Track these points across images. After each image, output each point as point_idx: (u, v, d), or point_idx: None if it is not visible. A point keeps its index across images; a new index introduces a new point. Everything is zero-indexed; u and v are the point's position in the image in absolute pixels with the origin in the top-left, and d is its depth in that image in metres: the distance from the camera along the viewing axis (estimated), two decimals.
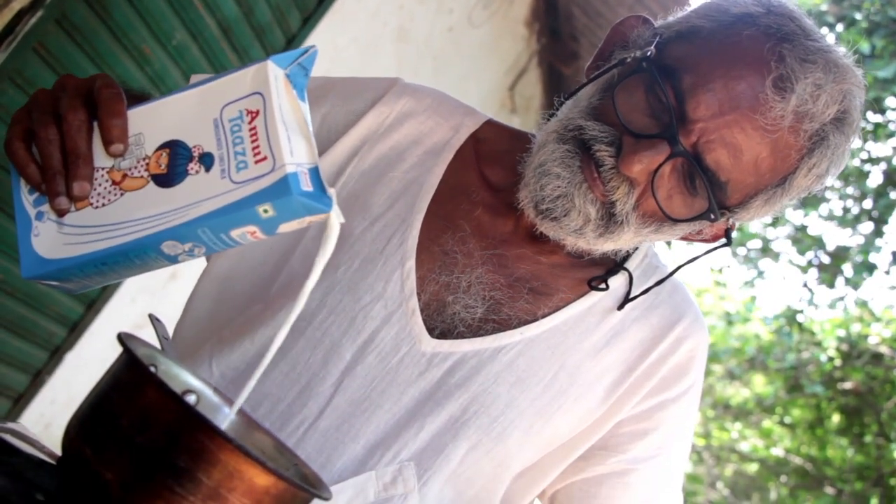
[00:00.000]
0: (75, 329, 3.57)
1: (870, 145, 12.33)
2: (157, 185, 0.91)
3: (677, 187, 1.14)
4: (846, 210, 12.50)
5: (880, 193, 11.94)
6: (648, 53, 1.13)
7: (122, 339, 0.83)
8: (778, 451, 15.30)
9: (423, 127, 1.32)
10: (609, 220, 1.15)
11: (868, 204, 12.19)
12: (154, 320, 1.05)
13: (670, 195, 1.14)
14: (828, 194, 12.78)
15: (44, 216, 0.93)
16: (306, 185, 0.87)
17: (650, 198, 1.13)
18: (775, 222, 13.03)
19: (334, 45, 4.07)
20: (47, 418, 3.53)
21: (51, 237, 0.92)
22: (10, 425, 1.01)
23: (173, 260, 0.93)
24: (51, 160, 0.91)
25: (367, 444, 1.18)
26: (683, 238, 1.26)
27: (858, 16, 11.55)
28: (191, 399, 0.96)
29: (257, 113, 0.88)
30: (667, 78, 1.11)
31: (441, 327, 1.21)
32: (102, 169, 0.93)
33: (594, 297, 1.28)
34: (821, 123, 1.11)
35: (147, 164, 0.92)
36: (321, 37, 3.92)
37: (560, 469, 1.30)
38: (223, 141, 0.89)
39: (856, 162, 12.03)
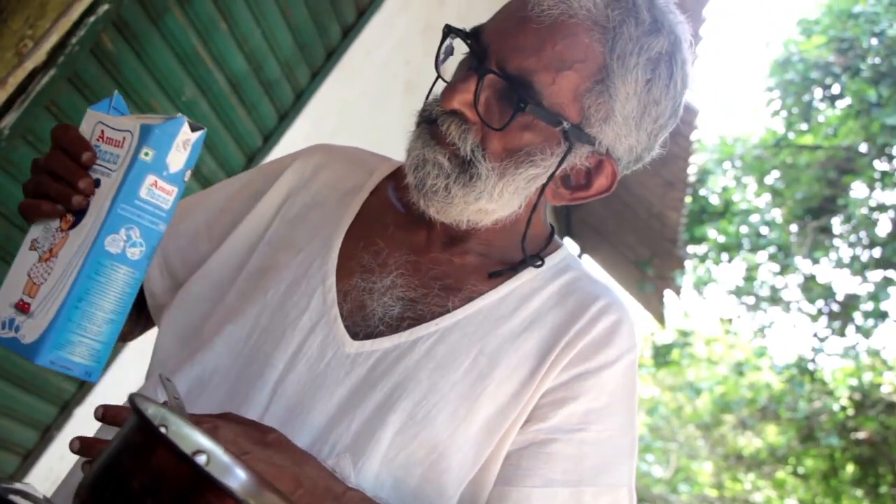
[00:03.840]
0: (85, 384, 3.56)
1: (877, 193, 12.35)
2: (72, 229, 1.11)
3: (506, 110, 1.23)
4: (855, 258, 12.49)
5: (889, 241, 11.93)
6: (462, 27, 1.28)
7: (133, 400, 0.83)
8: (792, 503, 15.13)
9: (337, 174, 1.47)
10: (462, 165, 1.24)
11: (877, 252, 12.18)
12: (164, 380, 1.05)
13: (501, 120, 1.23)
14: (836, 242, 12.79)
15: (14, 321, 1.10)
16: (158, 122, 1.11)
17: (489, 132, 1.23)
18: (783, 270, 13.02)
19: (343, 100, 4.11)
20: (56, 474, 3.51)
21: (31, 326, 1.08)
22: (18, 486, 1.01)
23: (131, 264, 1.11)
24: (53, 185, 1.13)
25: (303, 444, 1.22)
26: (574, 195, 1.32)
27: (864, 66, 11.62)
28: (201, 459, 0.96)
29: (102, 132, 1.15)
30: (471, 35, 1.27)
31: (364, 331, 1.30)
32: (33, 262, 1.12)
33: (506, 287, 1.35)
34: (594, 5, 1.21)
35: (60, 226, 1.12)
36: (330, 91, 3.96)
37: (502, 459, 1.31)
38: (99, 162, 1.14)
39: (864, 209, 12.04)
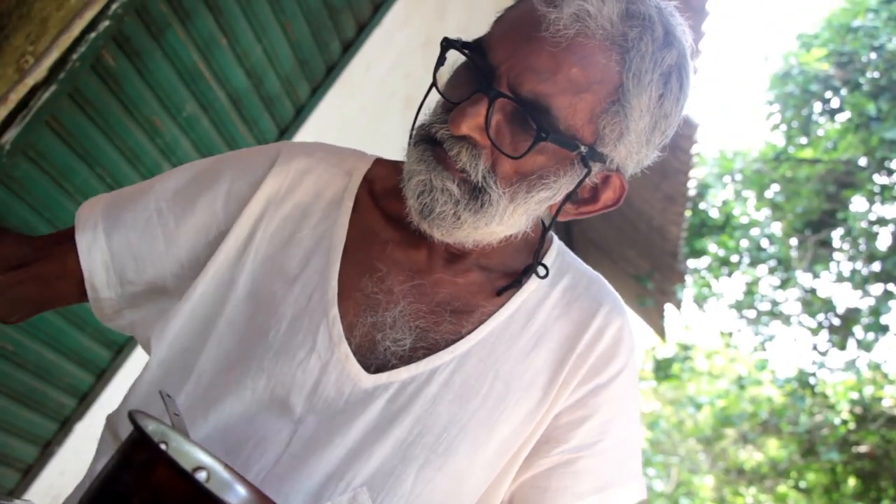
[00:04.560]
0: (85, 399, 3.56)
1: (877, 207, 12.36)
2: None
3: (518, 134, 1.18)
4: (855, 272, 12.49)
5: (889, 254, 11.93)
6: (458, 38, 1.23)
7: (133, 416, 0.83)
8: None
9: (320, 181, 1.38)
10: (473, 191, 1.19)
11: (877, 266, 12.18)
12: (165, 396, 1.05)
13: (514, 145, 1.18)
14: (836, 255, 12.79)
15: None
16: None
17: (500, 156, 1.18)
18: (784, 284, 13.02)
19: (342, 115, 4.12)
20: (56, 489, 3.50)
21: None
22: (18, 502, 1.01)
23: None
24: None
25: (320, 478, 1.21)
26: (580, 209, 1.30)
27: (863, 80, 11.65)
28: (201, 476, 0.96)
29: None
30: (473, 48, 1.22)
31: (376, 364, 1.26)
32: None
33: (513, 303, 1.33)
34: (611, 23, 1.17)
35: None
36: (329, 106, 3.96)
37: (513, 473, 1.33)
38: None
39: (864, 223, 12.05)
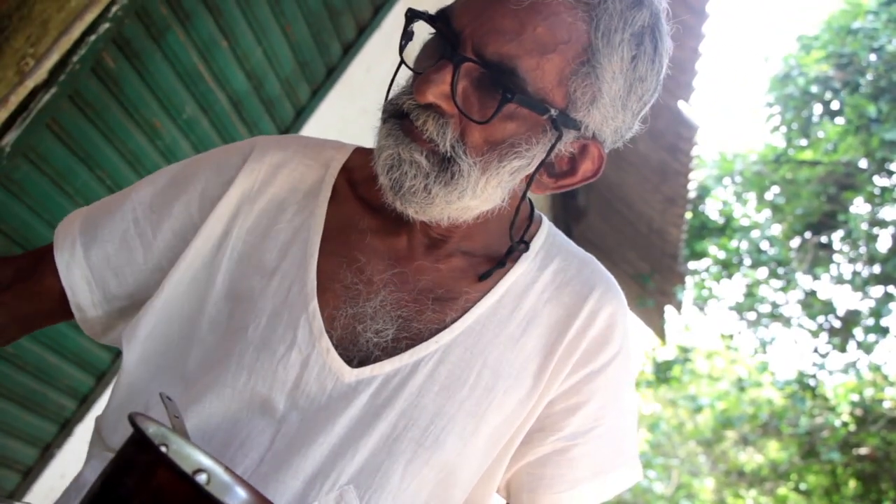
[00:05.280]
0: (85, 401, 3.56)
1: (877, 209, 12.35)
2: None
3: (486, 100, 1.15)
4: (855, 274, 12.48)
5: (889, 256, 11.92)
6: (423, 11, 1.20)
7: (133, 419, 0.83)
8: None
9: (295, 174, 1.35)
10: (442, 162, 1.16)
11: (878, 268, 12.17)
12: (164, 398, 1.05)
13: (482, 111, 1.15)
14: (837, 257, 12.78)
15: None
16: None
17: (469, 124, 1.15)
18: (785, 287, 13.02)
19: (343, 117, 4.12)
20: (57, 492, 3.49)
21: None
22: None
23: None
24: None
25: (305, 477, 1.19)
26: (559, 182, 1.26)
27: (863, 81, 11.65)
28: (202, 478, 0.96)
29: None
30: (438, 18, 1.18)
31: (359, 357, 1.23)
32: None
33: (500, 289, 1.30)
34: None
35: None
36: (330, 108, 3.97)
37: (507, 462, 1.31)
38: None
39: (864, 225, 12.05)
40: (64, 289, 1.33)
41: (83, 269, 1.32)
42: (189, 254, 1.30)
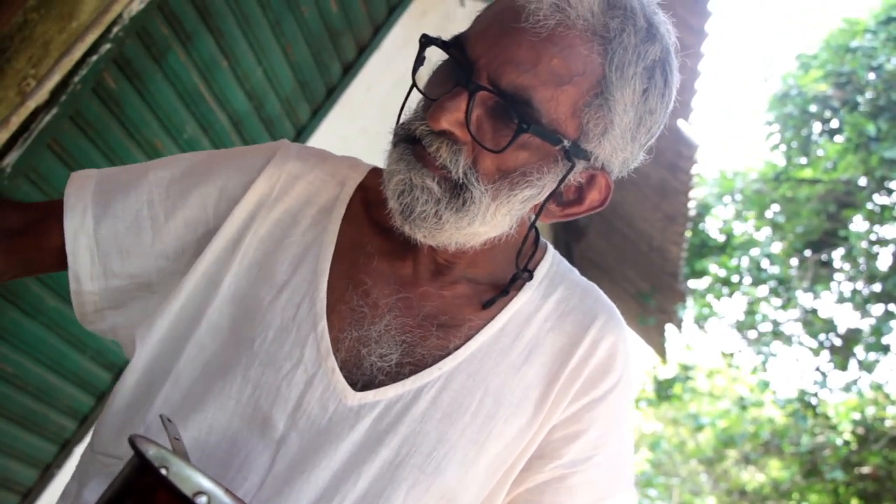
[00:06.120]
0: (85, 422, 3.55)
1: (877, 227, 12.36)
2: None
3: (500, 129, 1.16)
4: (856, 292, 12.47)
5: (890, 275, 11.92)
6: (437, 37, 1.21)
7: (134, 441, 0.83)
8: None
9: (311, 187, 1.35)
10: (454, 189, 1.17)
11: (878, 286, 12.16)
12: (165, 420, 1.05)
13: (496, 139, 1.16)
14: (837, 276, 12.78)
15: None
16: None
17: (482, 152, 1.16)
18: (785, 305, 13.00)
19: (343, 137, 4.13)
20: None
21: None
22: None
23: None
24: None
25: (308, 502, 1.18)
26: (565, 211, 1.27)
27: (862, 100, 11.68)
28: (202, 501, 0.96)
29: None
30: (453, 44, 1.20)
31: (362, 380, 1.23)
32: None
33: (503, 316, 1.30)
34: (591, 14, 1.15)
35: None
36: (330, 128, 3.97)
37: (507, 489, 1.31)
38: None
39: (864, 243, 12.05)
40: (67, 254, 1.32)
41: (90, 240, 1.32)
42: (206, 256, 1.29)
